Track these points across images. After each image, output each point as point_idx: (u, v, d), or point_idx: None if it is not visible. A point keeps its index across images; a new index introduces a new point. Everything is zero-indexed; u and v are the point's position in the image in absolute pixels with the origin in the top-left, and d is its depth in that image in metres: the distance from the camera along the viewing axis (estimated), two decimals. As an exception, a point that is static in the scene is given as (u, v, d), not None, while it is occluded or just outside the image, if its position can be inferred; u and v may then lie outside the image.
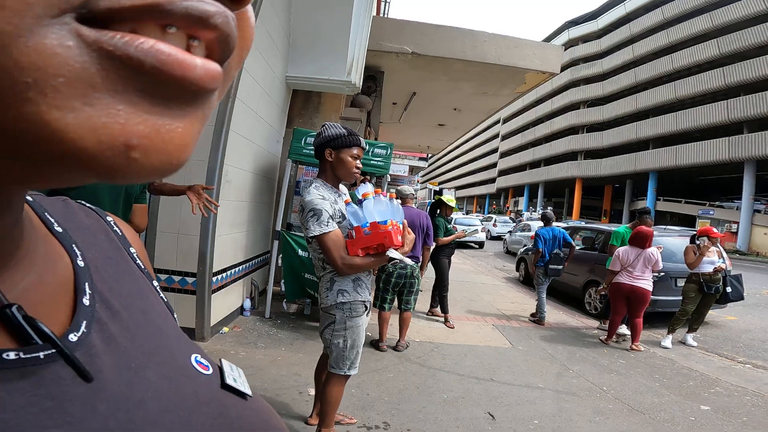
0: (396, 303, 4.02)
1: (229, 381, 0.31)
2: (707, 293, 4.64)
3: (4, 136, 0.14)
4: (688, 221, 24.85)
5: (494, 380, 3.37)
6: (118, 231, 0.35)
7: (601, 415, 2.89)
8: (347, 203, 1.77)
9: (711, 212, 24.44)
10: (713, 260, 4.64)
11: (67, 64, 0.14)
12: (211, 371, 0.31)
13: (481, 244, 16.86)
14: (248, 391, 0.32)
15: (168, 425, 0.24)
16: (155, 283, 0.35)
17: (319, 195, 1.76)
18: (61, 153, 0.14)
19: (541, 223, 5.57)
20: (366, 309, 1.90)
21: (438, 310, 5.07)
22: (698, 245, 4.65)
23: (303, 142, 4.24)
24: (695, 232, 4.99)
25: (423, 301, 5.11)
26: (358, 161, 1.86)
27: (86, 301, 0.25)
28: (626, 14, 32.41)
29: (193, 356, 0.31)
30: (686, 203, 26.76)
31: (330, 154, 1.83)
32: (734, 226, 22.51)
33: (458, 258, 10.78)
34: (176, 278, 3.41)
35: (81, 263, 0.27)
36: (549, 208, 35.80)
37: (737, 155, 22.22)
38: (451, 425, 2.60)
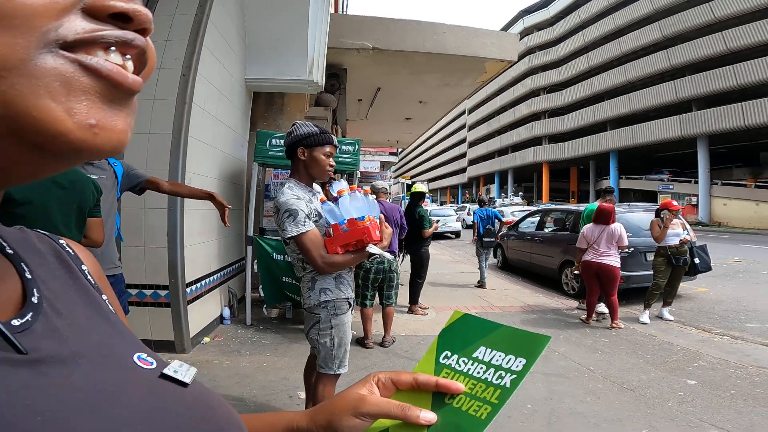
0: (378, 299, 4.00)
1: (168, 371, 0.33)
2: (676, 266, 4.75)
3: (17, 123, 0.22)
4: (650, 197, 26.05)
5: (482, 367, 3.39)
6: (71, 251, 0.38)
7: (592, 395, 2.92)
8: (323, 201, 1.74)
9: (670, 187, 25.65)
10: (678, 232, 4.78)
11: (61, 74, 0.22)
12: (154, 366, 0.33)
13: (457, 234, 17.08)
14: (187, 380, 0.33)
15: (94, 397, 0.26)
16: (104, 297, 0.38)
17: (294, 195, 1.71)
18: (53, 131, 0.22)
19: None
20: (350, 306, 1.87)
21: (418, 308, 5.08)
22: (662, 218, 4.79)
23: (268, 144, 4.14)
24: (659, 207, 5.12)
25: (405, 294, 5.12)
26: (331, 159, 1.84)
27: (35, 299, 0.29)
28: (575, 0, 33.52)
29: (135, 354, 0.33)
30: (647, 179, 28.06)
31: (303, 153, 1.80)
32: (694, 199, 23.72)
33: (436, 249, 10.88)
34: (147, 292, 3.29)
35: (29, 276, 0.31)
36: (520, 193, 36.87)
37: (689, 132, 23.43)
38: (445, 416, 2.59)
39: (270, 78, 4.81)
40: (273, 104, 5.37)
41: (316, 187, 1.92)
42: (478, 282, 6.82)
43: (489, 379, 0.45)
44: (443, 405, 0.45)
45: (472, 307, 5.43)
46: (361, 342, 3.85)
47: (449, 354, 0.49)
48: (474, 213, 7.11)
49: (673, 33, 24.80)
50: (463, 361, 0.48)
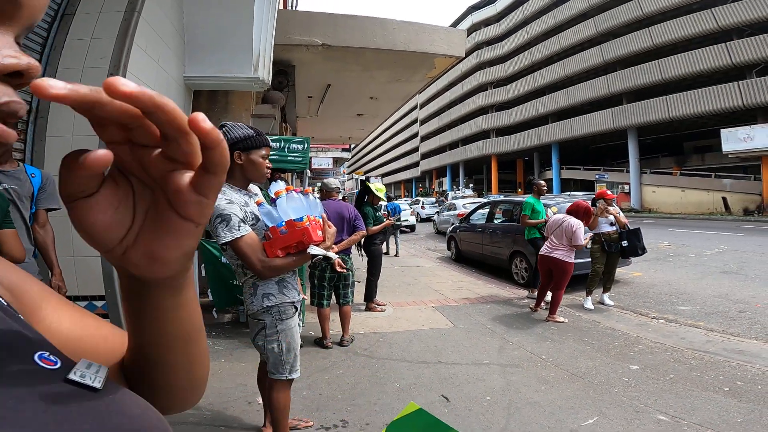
0: (334, 298, 3.97)
1: (73, 376, 0.30)
2: (609, 252, 5.02)
3: None
4: (588, 186, 27.82)
5: (442, 362, 3.44)
6: None
7: (546, 384, 3.02)
8: (259, 204, 1.69)
9: (606, 176, 27.53)
10: (611, 220, 5.05)
11: None
12: (58, 366, 0.31)
13: (412, 228, 17.31)
14: (97, 385, 0.31)
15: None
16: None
17: (226, 199, 1.64)
18: None
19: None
20: (296, 310, 1.84)
21: (374, 305, 5.08)
22: (597, 207, 5.04)
23: (212, 144, 3.96)
24: (595, 196, 5.36)
25: (362, 292, 5.11)
26: (266, 161, 1.80)
27: None
28: (518, -3, 34.86)
29: (36, 354, 0.31)
30: (585, 170, 29.93)
31: (239, 157, 1.74)
32: (626, 187, 25.63)
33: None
34: (81, 303, 3.06)
35: None
36: (470, 185, 37.97)
37: (620, 124, 25.23)
38: (409, 413, 2.62)
39: (212, 76, 4.58)
40: (216, 102, 5.13)
41: (254, 188, 1.87)
42: (385, 251, 9.37)
43: None
44: None
45: (429, 300, 5.54)
46: (319, 342, 3.81)
47: None
48: (387, 205, 11.28)
49: (606, 29, 26.46)
50: None
